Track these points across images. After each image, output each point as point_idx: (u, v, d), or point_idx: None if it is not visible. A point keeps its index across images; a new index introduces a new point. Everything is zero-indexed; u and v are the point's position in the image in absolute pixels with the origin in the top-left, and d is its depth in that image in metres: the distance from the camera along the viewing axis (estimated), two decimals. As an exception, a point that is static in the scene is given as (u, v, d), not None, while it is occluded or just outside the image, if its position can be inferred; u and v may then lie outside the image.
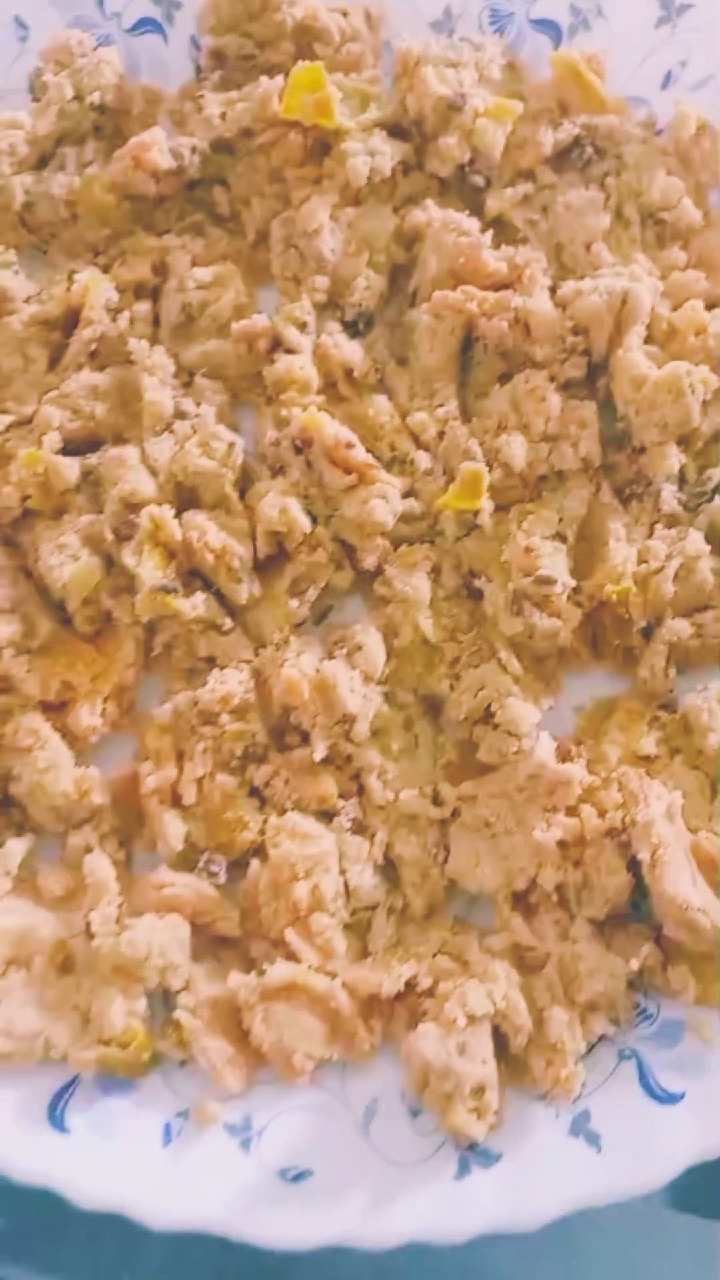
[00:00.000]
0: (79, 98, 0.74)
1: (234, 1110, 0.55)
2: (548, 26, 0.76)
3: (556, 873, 0.57)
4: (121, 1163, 0.53)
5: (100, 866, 0.58)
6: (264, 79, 0.73)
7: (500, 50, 0.75)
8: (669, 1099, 0.53)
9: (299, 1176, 0.53)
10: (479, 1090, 0.53)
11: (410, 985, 0.56)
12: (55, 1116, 0.54)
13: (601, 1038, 0.56)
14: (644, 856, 0.55)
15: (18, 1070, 0.55)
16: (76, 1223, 0.60)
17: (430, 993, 0.56)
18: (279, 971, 0.56)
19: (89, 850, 0.60)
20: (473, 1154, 0.53)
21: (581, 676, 0.66)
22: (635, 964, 0.55)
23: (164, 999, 0.58)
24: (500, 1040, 0.55)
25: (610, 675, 0.66)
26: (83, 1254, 0.60)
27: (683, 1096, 0.53)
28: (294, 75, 0.71)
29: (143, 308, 0.72)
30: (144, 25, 0.78)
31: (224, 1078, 0.55)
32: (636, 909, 0.58)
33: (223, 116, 0.73)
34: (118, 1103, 0.55)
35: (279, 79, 0.72)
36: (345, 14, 0.76)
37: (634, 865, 0.57)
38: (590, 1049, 0.55)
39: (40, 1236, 0.61)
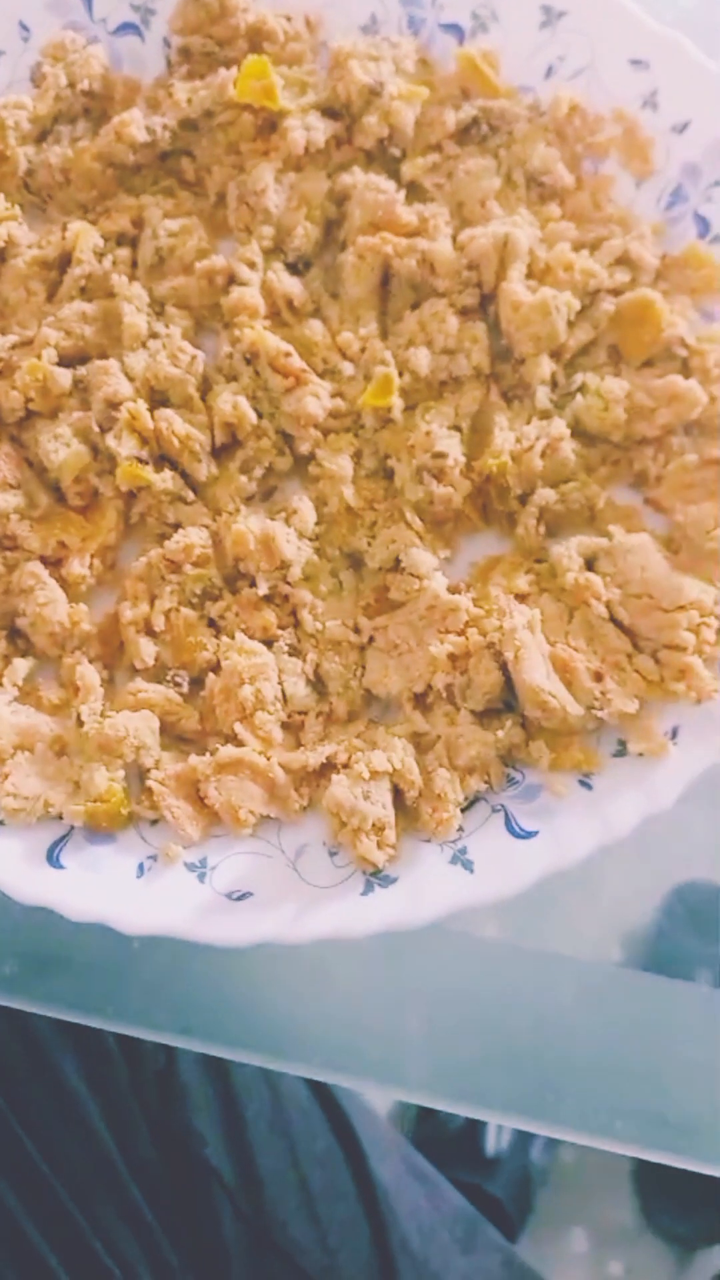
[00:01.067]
0: (72, 85, 0.89)
1: (193, 854, 0.70)
2: (453, 29, 0.91)
3: (446, 677, 0.73)
4: (104, 889, 0.68)
5: (89, 672, 0.74)
6: (222, 70, 0.89)
7: (414, 48, 0.91)
8: (526, 835, 0.68)
9: (242, 896, 0.68)
10: (380, 827, 0.68)
11: (330, 761, 0.72)
12: (52, 858, 0.69)
13: (478, 798, 0.71)
14: (509, 655, 0.71)
15: (23, 826, 0.71)
16: (68, 967, 0.76)
17: (346, 765, 0.72)
18: (228, 751, 0.72)
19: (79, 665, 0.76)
20: (375, 878, 0.68)
21: (474, 540, 0.81)
22: (501, 734, 0.71)
23: (139, 777, 0.73)
24: (398, 797, 0.71)
25: (498, 538, 0.81)
26: (73, 990, 0.76)
27: (537, 833, 0.69)
28: (245, 67, 0.87)
29: (123, 252, 0.87)
30: (125, 28, 0.94)
31: (185, 828, 0.70)
32: (509, 707, 0.74)
33: (189, 101, 0.89)
34: (102, 849, 0.70)
35: (234, 70, 0.88)
36: (289, 19, 0.92)
37: (504, 669, 0.73)
38: (469, 805, 0.71)
39: (40, 976, 0.76)
